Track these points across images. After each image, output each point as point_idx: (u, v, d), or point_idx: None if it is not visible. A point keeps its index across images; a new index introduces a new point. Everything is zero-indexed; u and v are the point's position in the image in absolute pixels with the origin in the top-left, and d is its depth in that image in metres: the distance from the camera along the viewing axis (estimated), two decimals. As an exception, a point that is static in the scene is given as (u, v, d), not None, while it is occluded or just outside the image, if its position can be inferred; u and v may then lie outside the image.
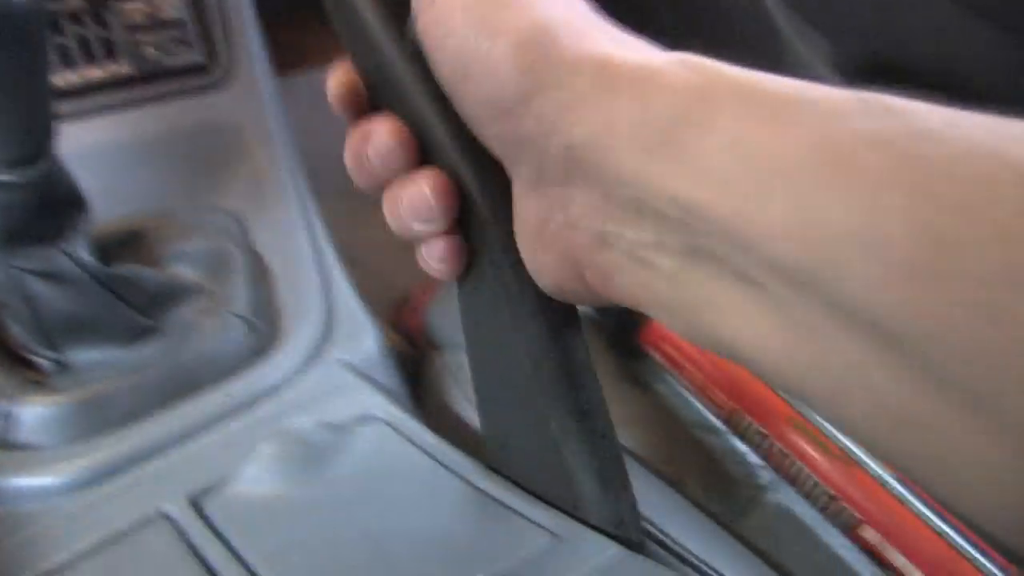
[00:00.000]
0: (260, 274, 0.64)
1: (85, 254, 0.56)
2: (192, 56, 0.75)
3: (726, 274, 0.28)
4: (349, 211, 1.46)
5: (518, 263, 0.37)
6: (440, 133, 0.37)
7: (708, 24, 1.36)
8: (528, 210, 0.35)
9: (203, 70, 0.76)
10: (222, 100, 0.75)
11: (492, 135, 0.35)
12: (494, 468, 0.47)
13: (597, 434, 0.40)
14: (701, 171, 0.27)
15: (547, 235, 0.35)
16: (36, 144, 0.51)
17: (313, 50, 1.65)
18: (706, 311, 0.29)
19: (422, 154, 0.39)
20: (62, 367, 0.57)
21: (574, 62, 0.31)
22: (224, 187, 0.72)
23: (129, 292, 0.57)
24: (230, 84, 0.76)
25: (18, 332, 0.56)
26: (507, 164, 0.36)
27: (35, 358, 0.56)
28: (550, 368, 0.39)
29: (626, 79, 0.29)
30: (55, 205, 0.54)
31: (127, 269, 0.58)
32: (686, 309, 0.30)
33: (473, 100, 0.34)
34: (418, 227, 0.39)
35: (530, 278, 0.38)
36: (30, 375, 0.56)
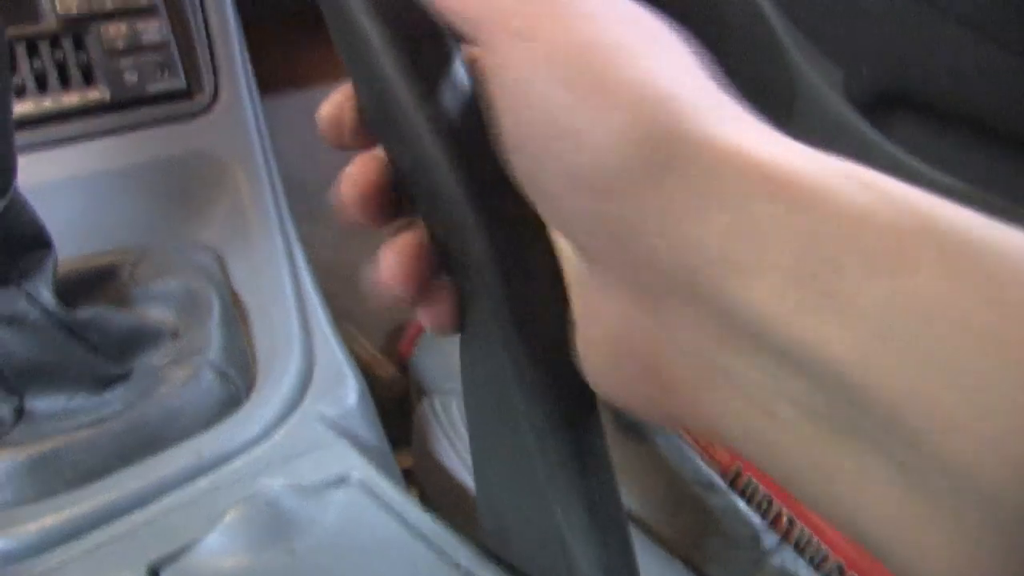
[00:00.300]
0: (237, 318, 0.60)
1: (48, 296, 0.52)
2: (174, 82, 0.72)
3: (875, 452, 0.22)
4: (343, 232, 1.43)
5: (530, 334, 0.33)
6: (446, 183, 0.32)
7: (720, 52, 1.34)
8: (606, 309, 0.30)
9: (186, 96, 0.73)
10: (205, 128, 0.72)
11: (570, 210, 0.28)
12: (475, 539, 0.44)
13: (607, 526, 0.37)
14: (871, 336, 0.21)
15: (628, 343, 0.29)
16: (-5, 181, 0.48)
17: (306, 67, 1.63)
18: (836, 482, 0.23)
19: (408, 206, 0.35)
20: (22, 415, 0.53)
21: (705, 149, 0.24)
22: (205, 220, 0.69)
23: (95, 337, 0.54)
24: (214, 111, 0.73)
25: (-24, 378, 0.53)
26: (579, 245, 0.30)
27: (-7, 405, 0.53)
28: (559, 451, 0.35)
29: (779, 187, 0.23)
30: (16, 244, 0.52)
31: (93, 312, 0.55)
32: (806, 470, 0.24)
33: (553, 163, 0.27)
34: (398, 290, 0.33)
35: (544, 349, 0.33)
36: (-13, 424, 0.53)
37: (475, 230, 0.33)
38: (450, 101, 0.33)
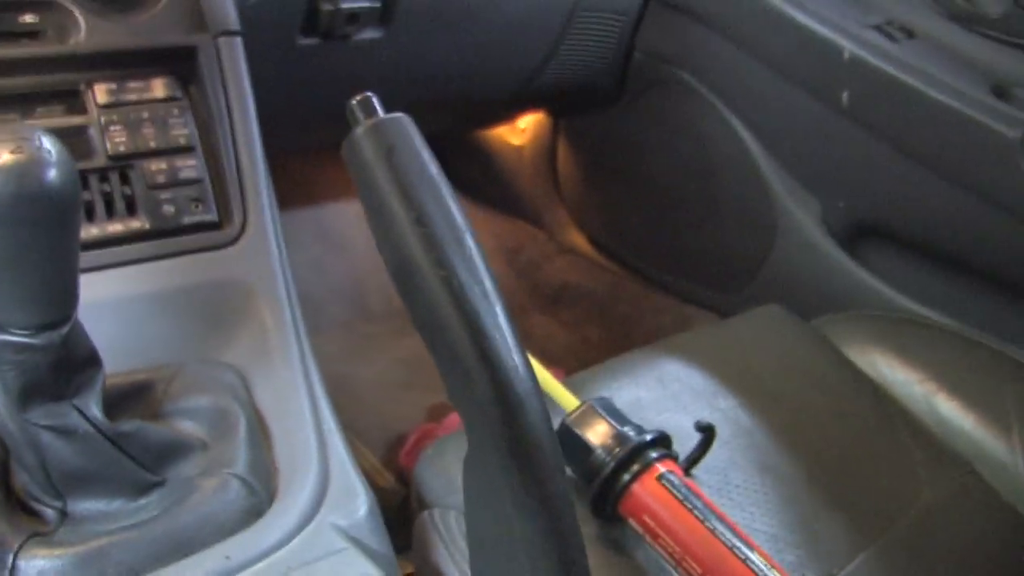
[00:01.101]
0: (260, 434, 0.66)
1: (96, 410, 0.58)
2: (207, 214, 0.79)
3: None
4: (350, 346, 1.49)
5: (523, 458, 0.40)
6: (457, 338, 0.40)
7: (708, 184, 1.42)
8: None
9: (217, 227, 0.80)
10: (233, 257, 0.79)
11: None
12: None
13: None
14: None
15: None
16: (60, 310, 0.55)
17: (313, 185, 1.72)
18: None
19: None
20: (66, 517, 0.59)
21: None
22: (230, 342, 0.75)
23: (135, 448, 0.60)
24: (241, 242, 0.79)
25: (26, 482, 0.58)
26: None
27: (40, 507, 0.59)
28: (546, 557, 0.41)
29: None
30: (72, 364, 0.57)
31: (135, 426, 0.61)
32: None
33: None
34: None
35: (535, 469, 0.40)
36: (34, 525, 0.58)
37: (480, 378, 0.40)
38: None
